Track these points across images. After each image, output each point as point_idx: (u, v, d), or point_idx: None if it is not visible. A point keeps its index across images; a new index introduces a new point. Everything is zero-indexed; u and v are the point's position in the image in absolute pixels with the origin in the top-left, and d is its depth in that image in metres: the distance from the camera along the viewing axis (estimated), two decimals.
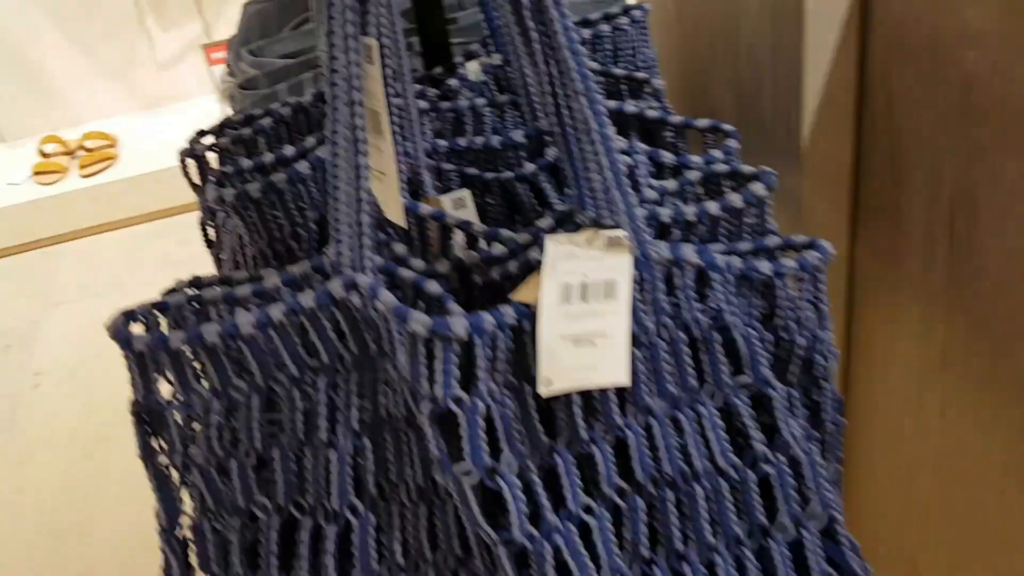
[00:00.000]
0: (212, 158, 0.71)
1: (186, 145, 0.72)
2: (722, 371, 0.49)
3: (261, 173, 0.65)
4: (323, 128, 0.72)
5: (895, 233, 0.84)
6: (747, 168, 0.56)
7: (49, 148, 2.08)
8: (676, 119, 0.64)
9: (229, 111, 0.98)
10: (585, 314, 0.45)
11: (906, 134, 0.78)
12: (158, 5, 2.15)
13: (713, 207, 0.53)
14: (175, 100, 2.21)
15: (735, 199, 0.53)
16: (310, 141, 0.65)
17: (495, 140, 0.63)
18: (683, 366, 0.49)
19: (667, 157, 0.62)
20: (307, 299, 0.46)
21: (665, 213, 0.52)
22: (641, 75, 0.67)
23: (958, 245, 0.76)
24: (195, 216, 0.75)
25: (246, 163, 0.64)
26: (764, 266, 0.50)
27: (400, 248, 0.54)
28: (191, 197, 0.72)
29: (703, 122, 0.64)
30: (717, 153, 0.62)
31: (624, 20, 0.72)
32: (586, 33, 0.71)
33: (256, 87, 0.83)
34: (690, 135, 0.68)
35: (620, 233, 0.46)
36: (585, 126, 0.45)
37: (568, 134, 0.47)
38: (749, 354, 0.49)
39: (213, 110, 2.07)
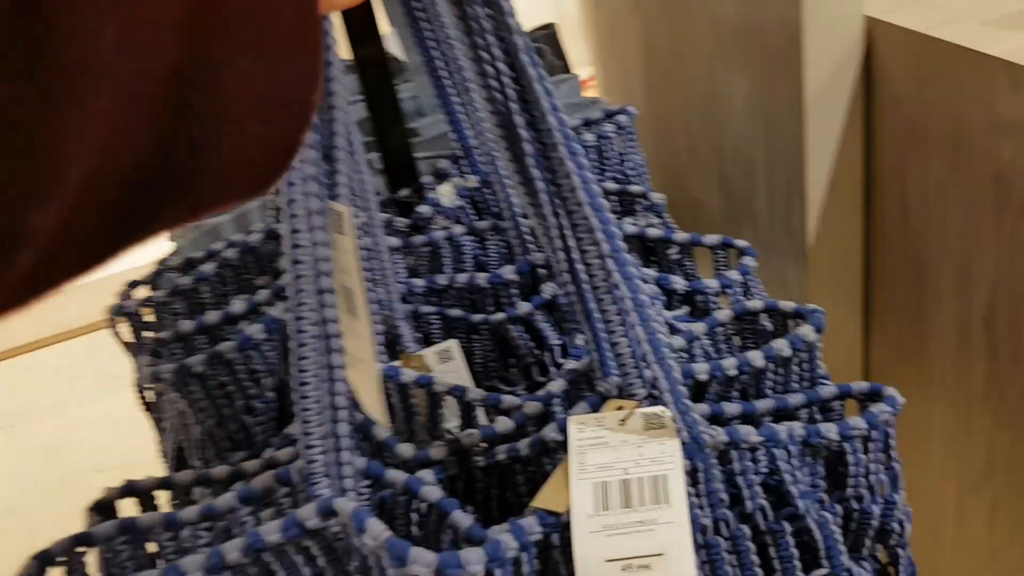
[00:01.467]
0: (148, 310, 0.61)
1: (116, 300, 0.62)
2: (795, 567, 0.40)
3: (205, 336, 0.56)
4: (275, 272, 0.63)
5: (920, 334, 0.78)
6: (787, 305, 0.48)
7: None
8: (682, 237, 0.57)
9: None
10: (631, 526, 0.36)
11: (926, 230, 0.71)
12: None
13: (757, 358, 0.44)
14: None
15: (782, 346, 0.45)
16: (263, 294, 0.56)
17: (481, 278, 0.55)
18: (749, 567, 0.40)
19: (678, 283, 0.54)
20: (272, 532, 0.36)
21: (701, 370, 0.43)
22: (636, 188, 0.60)
23: (999, 346, 0.69)
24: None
25: (187, 326, 0.55)
26: (830, 430, 0.41)
27: (381, 432, 0.45)
28: None
29: (712, 238, 0.57)
30: (733, 274, 0.54)
31: (609, 127, 0.64)
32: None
33: None
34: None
35: (662, 412, 0.38)
36: (607, 283, 0.37)
37: (585, 293, 0.38)
38: (825, 544, 0.41)
39: None
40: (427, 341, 0.55)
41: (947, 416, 0.77)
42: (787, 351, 0.45)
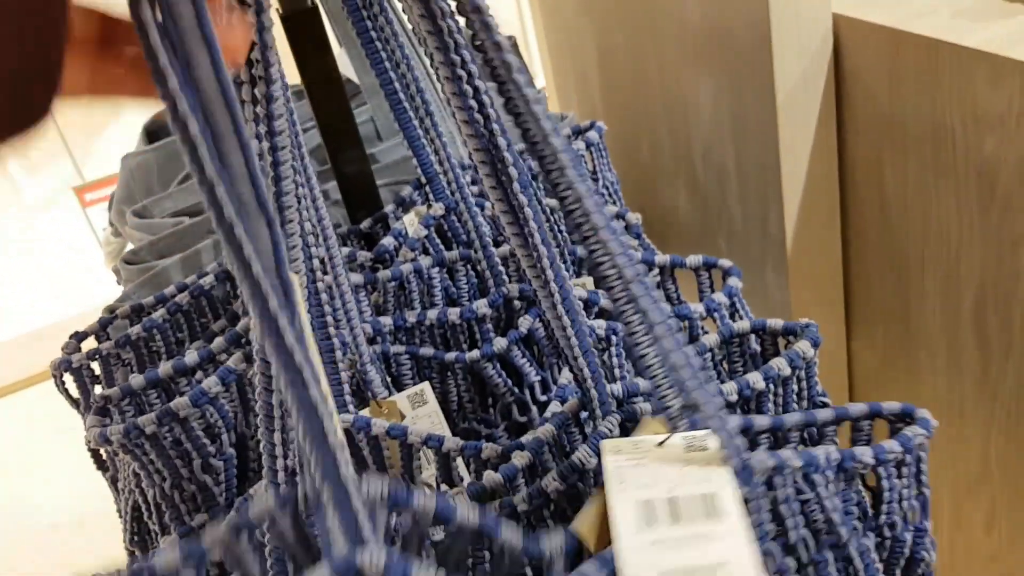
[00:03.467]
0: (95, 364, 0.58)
1: (61, 354, 0.58)
2: None
3: (157, 390, 0.52)
4: (232, 315, 0.60)
5: (906, 337, 0.76)
6: (775, 323, 0.46)
7: None
8: (663, 259, 0.55)
9: (112, 274, 0.84)
10: (685, 540, 0.33)
11: (907, 230, 0.70)
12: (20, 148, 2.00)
13: (757, 380, 0.42)
14: (51, 246, 2.04)
15: (781, 365, 0.42)
16: (218, 342, 0.52)
17: (453, 313, 0.52)
18: None
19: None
20: None
21: None
22: (611, 208, 0.58)
23: (990, 344, 0.68)
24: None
25: (137, 381, 0.51)
26: (865, 454, 0.39)
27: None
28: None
29: (695, 259, 0.55)
30: (719, 296, 0.52)
31: (579, 145, 0.62)
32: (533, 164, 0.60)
33: (143, 260, 0.70)
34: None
35: (705, 434, 0.35)
36: (634, 309, 0.34)
37: (578, 326, 0.36)
38: (867, 574, 0.38)
39: (95, 254, 1.90)
40: (397, 384, 0.52)
41: (939, 420, 0.76)
42: (787, 370, 0.43)
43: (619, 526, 0.32)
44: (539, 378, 0.52)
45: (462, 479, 0.45)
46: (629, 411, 0.39)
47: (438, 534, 0.36)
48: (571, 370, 0.39)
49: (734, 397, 0.42)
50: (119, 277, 0.76)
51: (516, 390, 0.52)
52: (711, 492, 0.33)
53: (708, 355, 0.46)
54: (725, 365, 0.48)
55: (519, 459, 0.41)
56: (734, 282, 0.53)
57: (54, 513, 1.57)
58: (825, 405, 0.46)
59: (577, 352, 0.36)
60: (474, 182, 0.58)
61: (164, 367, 0.52)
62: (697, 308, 0.52)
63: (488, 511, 0.36)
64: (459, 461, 0.44)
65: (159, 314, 0.58)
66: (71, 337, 0.59)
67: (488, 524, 0.31)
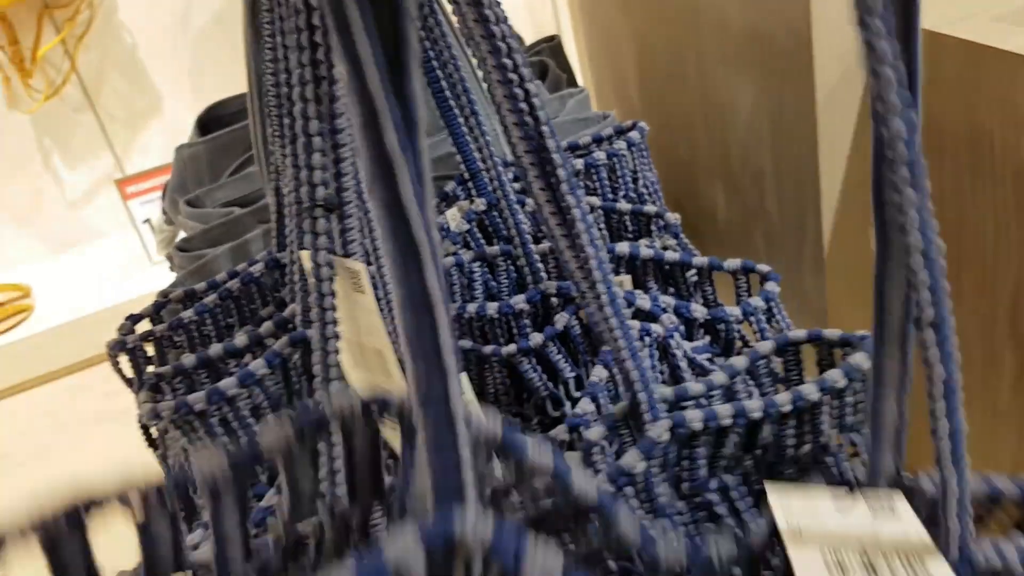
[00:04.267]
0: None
1: (116, 335, 0.61)
2: None
3: (207, 371, 0.55)
4: (279, 302, 0.62)
5: None
6: (832, 333, 0.46)
7: None
8: (701, 261, 0.56)
9: (164, 260, 0.88)
10: None
11: (944, 232, 0.70)
12: (63, 141, 2.05)
13: (812, 391, 0.42)
14: (91, 240, 2.09)
15: (836, 377, 0.43)
16: (266, 327, 0.55)
17: (492, 308, 0.54)
18: None
19: (698, 311, 0.53)
20: None
21: (754, 408, 0.41)
22: (651, 208, 0.59)
23: None
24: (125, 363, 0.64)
25: (188, 360, 0.54)
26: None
27: None
28: None
29: (733, 263, 0.56)
30: (756, 300, 0.53)
31: (620, 144, 0.64)
32: (578, 163, 0.62)
33: (195, 248, 0.73)
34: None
35: (903, 509, 0.31)
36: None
37: (625, 327, 0.38)
38: None
39: (134, 247, 1.95)
40: None
41: (974, 419, 0.76)
42: (842, 382, 0.42)
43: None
44: (574, 375, 0.54)
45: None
46: (679, 417, 0.39)
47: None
48: (619, 372, 0.39)
49: (788, 408, 0.42)
50: (172, 264, 0.79)
51: (551, 385, 0.54)
52: (915, 553, 0.30)
53: (761, 362, 0.47)
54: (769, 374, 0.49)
55: (574, 457, 0.42)
56: (772, 287, 0.54)
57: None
58: None
59: (625, 354, 0.37)
60: (516, 179, 0.60)
61: (214, 348, 0.54)
62: (734, 311, 0.53)
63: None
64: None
65: (210, 299, 0.61)
66: (126, 319, 0.62)
67: (605, 502, 0.28)
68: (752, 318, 0.53)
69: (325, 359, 0.34)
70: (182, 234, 0.85)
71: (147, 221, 1.91)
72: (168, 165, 1.89)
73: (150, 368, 0.59)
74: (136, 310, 0.64)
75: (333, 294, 0.32)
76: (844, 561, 0.29)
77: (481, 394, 0.55)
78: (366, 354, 0.36)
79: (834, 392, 0.41)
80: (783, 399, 0.40)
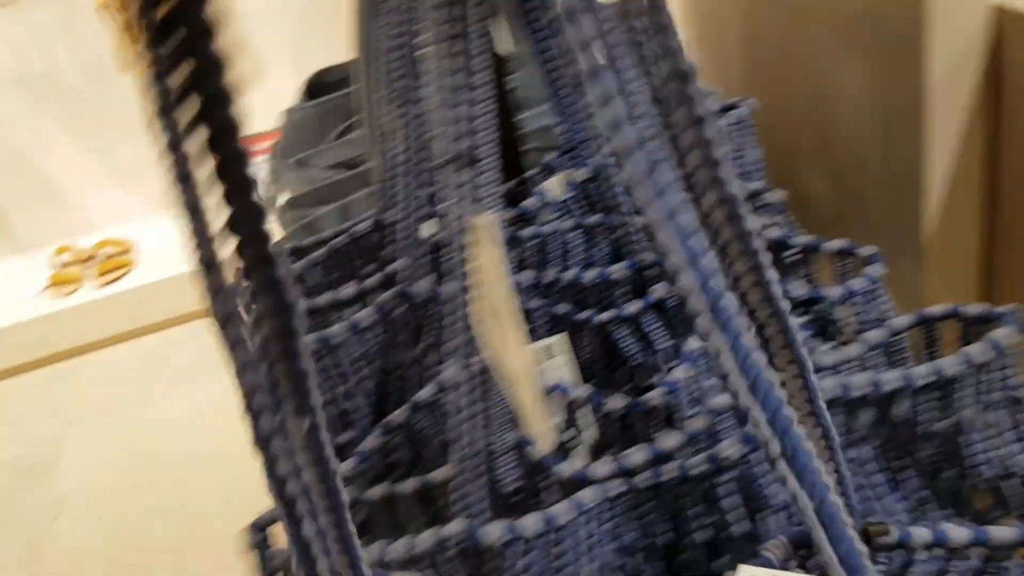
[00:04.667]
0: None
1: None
2: None
3: (312, 320, 0.58)
4: (382, 261, 0.65)
5: None
6: (972, 308, 0.46)
7: (64, 258, 2.04)
8: (802, 240, 0.56)
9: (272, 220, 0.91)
10: None
11: None
12: None
13: (950, 365, 0.41)
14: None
15: (977, 351, 0.41)
16: (371, 281, 0.57)
17: (589, 275, 0.55)
18: None
19: (798, 290, 0.53)
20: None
21: (891, 379, 0.40)
22: (755, 186, 0.59)
23: None
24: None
25: None
26: None
27: (537, 451, 0.44)
28: None
29: (835, 244, 0.56)
30: (858, 282, 0.53)
31: (726, 121, 0.64)
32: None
33: (303, 206, 0.77)
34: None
35: None
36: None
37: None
38: None
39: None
40: (532, 337, 0.56)
41: None
42: (983, 357, 0.41)
43: None
44: (668, 345, 0.55)
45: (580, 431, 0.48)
46: None
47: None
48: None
49: (927, 380, 0.41)
50: (280, 221, 0.83)
51: (644, 355, 0.55)
52: None
53: (898, 337, 0.47)
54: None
55: (697, 424, 0.42)
56: (876, 269, 0.54)
57: (182, 448, 1.68)
58: (1018, 401, 0.44)
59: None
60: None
61: (322, 298, 0.57)
62: (835, 291, 0.53)
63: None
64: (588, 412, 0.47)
65: (318, 254, 0.63)
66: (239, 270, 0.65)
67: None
68: (853, 299, 0.53)
69: (458, 312, 0.35)
70: (286, 194, 0.89)
71: (268, 177, 1.97)
72: (267, 132, 1.95)
73: None
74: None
75: (468, 247, 0.34)
76: None
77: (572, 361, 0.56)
78: (491, 308, 0.37)
79: (975, 367, 0.40)
80: (921, 371, 0.40)
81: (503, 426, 0.40)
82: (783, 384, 0.27)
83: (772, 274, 0.26)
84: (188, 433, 1.67)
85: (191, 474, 1.58)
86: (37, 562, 1.49)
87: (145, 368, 1.91)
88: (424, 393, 0.50)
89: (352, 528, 0.28)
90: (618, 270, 0.55)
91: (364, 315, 0.52)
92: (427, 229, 0.63)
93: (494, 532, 0.37)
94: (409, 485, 0.44)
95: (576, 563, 0.38)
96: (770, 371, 0.25)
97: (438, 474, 0.44)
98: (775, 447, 0.26)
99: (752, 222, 0.26)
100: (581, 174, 0.61)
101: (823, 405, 0.28)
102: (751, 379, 0.25)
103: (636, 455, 0.40)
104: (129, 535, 1.54)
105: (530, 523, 0.37)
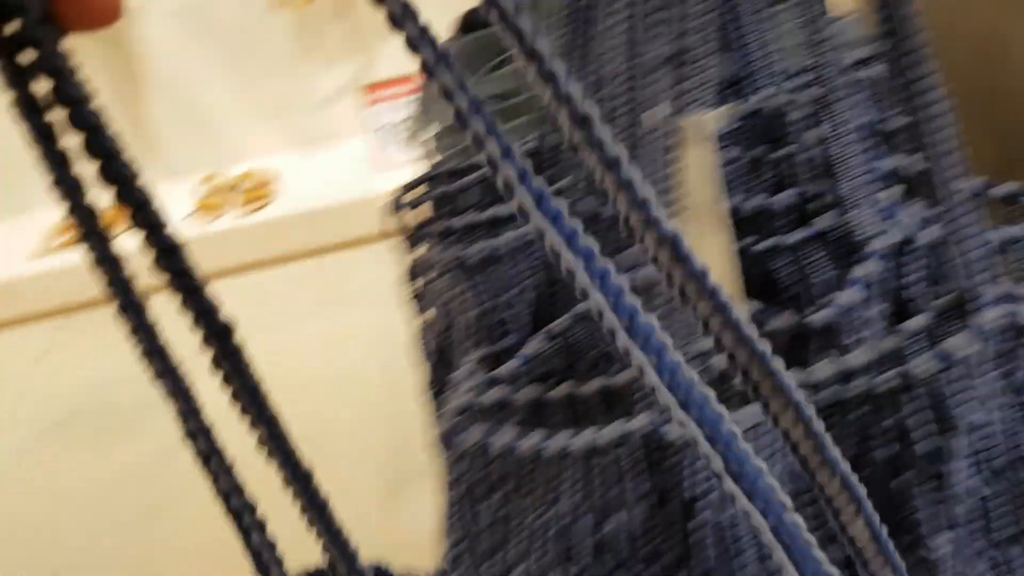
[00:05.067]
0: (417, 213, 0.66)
1: (392, 198, 0.67)
2: None
3: (473, 234, 0.60)
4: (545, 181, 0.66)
5: None
6: None
7: (211, 185, 2.15)
8: (972, 184, 0.55)
9: (414, 154, 0.94)
10: None
11: None
12: (318, 43, 2.19)
13: None
14: (332, 139, 2.24)
15: None
16: None
17: (750, 204, 0.55)
18: None
19: None
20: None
21: None
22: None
23: None
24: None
25: (459, 222, 0.59)
26: None
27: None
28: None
29: (1005, 188, 0.54)
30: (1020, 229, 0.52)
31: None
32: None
33: (456, 133, 0.79)
34: None
35: None
36: None
37: None
38: None
39: (369, 151, 2.07)
40: None
41: None
42: None
43: None
44: (828, 278, 0.54)
45: None
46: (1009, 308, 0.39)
47: None
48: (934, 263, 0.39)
49: None
50: (431, 149, 0.85)
51: (802, 286, 0.55)
52: None
53: None
54: None
55: (887, 344, 0.42)
56: None
57: (309, 372, 1.75)
58: None
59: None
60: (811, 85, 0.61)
61: (485, 213, 0.59)
62: (998, 235, 0.52)
63: None
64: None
65: (476, 175, 0.65)
66: (402, 185, 0.68)
67: None
68: (1016, 245, 0.51)
69: (660, 214, 0.36)
70: (437, 125, 0.91)
71: (384, 127, 2.03)
72: (412, 75, 1.98)
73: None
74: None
75: (677, 148, 0.35)
76: None
77: None
78: (697, 207, 0.38)
79: None
80: None
81: (687, 335, 0.41)
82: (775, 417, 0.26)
83: (739, 311, 0.24)
84: (318, 359, 1.75)
85: (320, 396, 1.66)
86: (173, 463, 1.60)
87: (279, 295, 2.00)
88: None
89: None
90: (783, 199, 0.55)
91: (528, 229, 0.54)
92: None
93: (675, 431, 0.39)
94: (593, 385, 0.46)
95: None
96: (703, 386, 0.24)
97: (620, 377, 0.46)
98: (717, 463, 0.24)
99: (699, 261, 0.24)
100: (746, 107, 0.60)
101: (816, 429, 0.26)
102: (683, 393, 0.23)
103: (823, 369, 0.41)
104: (252, 450, 1.63)
105: None
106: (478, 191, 0.66)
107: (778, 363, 0.24)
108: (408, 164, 2.01)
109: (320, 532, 0.29)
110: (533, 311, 0.56)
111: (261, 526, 0.28)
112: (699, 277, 0.23)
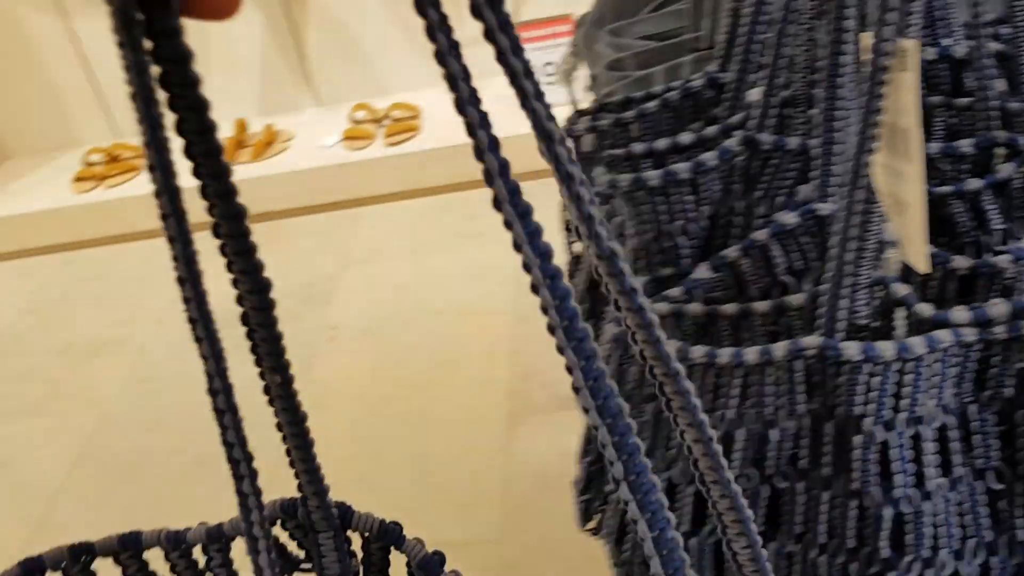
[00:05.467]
0: (588, 141, 0.69)
1: (565, 124, 0.70)
2: None
3: (650, 160, 0.62)
4: (710, 119, 0.68)
5: None
6: None
7: (359, 115, 2.22)
8: None
9: (566, 92, 0.96)
10: None
11: None
12: None
13: None
14: (479, 78, 2.27)
15: None
16: (711, 129, 0.61)
17: (932, 148, 0.56)
18: None
19: None
20: None
21: None
22: None
23: None
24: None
25: (638, 148, 0.61)
26: None
27: (901, 289, 0.47)
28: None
29: None
30: None
31: None
32: None
33: (626, 68, 0.81)
34: None
35: None
36: None
37: None
38: None
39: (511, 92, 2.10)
40: None
41: None
42: None
43: None
44: (1003, 227, 0.54)
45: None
46: None
47: None
48: None
49: None
50: (593, 84, 0.88)
51: (976, 234, 0.55)
52: None
53: None
54: None
55: None
56: None
57: (442, 300, 1.82)
58: None
59: None
60: (996, 37, 0.60)
61: (661, 141, 0.61)
62: None
63: None
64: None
65: (652, 104, 0.67)
66: (574, 112, 0.71)
67: None
68: None
69: (867, 138, 0.38)
70: (597, 61, 0.93)
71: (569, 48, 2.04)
72: (559, 16, 2.00)
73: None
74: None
75: (887, 71, 0.36)
76: None
77: None
78: (895, 135, 0.40)
79: None
80: None
81: (863, 263, 0.43)
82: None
83: (660, 332, 0.26)
84: (449, 288, 1.81)
85: (449, 326, 1.72)
86: (312, 373, 1.70)
87: (417, 225, 2.07)
88: (760, 235, 0.53)
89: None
90: (964, 145, 0.55)
91: (708, 157, 0.56)
92: (755, 94, 0.65)
93: (852, 349, 0.41)
94: (761, 305, 0.48)
95: (916, 395, 0.41)
96: (617, 399, 0.25)
97: (794, 299, 0.48)
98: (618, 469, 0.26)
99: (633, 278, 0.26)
100: (928, 53, 0.60)
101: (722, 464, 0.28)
102: (599, 400, 0.25)
103: (996, 307, 0.42)
104: (386, 368, 1.70)
105: (886, 348, 0.40)
106: (650, 121, 0.68)
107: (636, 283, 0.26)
108: (555, 105, 2.03)
109: (301, 470, 0.34)
110: (704, 240, 0.58)
111: (253, 475, 0.31)
112: (629, 294, 0.26)
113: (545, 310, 0.24)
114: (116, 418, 1.64)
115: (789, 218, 0.53)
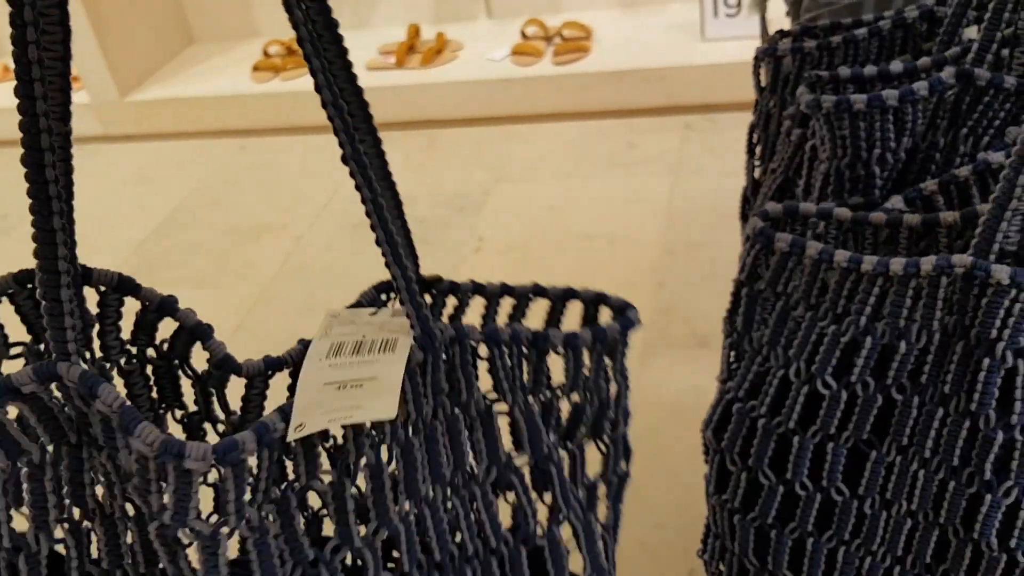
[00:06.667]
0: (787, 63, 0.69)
1: (763, 45, 0.70)
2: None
3: (855, 85, 0.62)
4: (918, 53, 0.67)
5: None
6: None
7: (530, 31, 2.23)
8: None
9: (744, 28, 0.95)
10: (355, 364, 0.44)
11: None
12: None
13: None
14: (655, 3, 2.25)
15: None
16: (923, 60, 0.60)
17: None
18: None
19: None
20: None
21: None
22: None
23: None
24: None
25: (845, 71, 0.61)
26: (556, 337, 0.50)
27: None
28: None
29: None
30: None
31: None
32: None
33: (830, 3, 0.80)
34: None
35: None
36: None
37: None
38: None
39: (691, 18, 2.07)
40: None
41: None
42: None
43: (309, 358, 0.44)
44: None
45: None
46: None
47: None
48: None
49: None
50: (797, 9, 0.87)
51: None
52: (394, 339, 0.44)
53: None
54: None
55: None
56: None
57: (589, 225, 1.83)
58: None
59: None
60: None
61: (869, 68, 0.61)
62: None
63: None
64: None
65: (859, 31, 0.67)
66: (775, 32, 0.71)
67: None
68: None
69: None
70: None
71: None
72: None
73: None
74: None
75: None
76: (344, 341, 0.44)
77: None
78: None
79: None
80: None
81: None
82: None
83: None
84: (599, 214, 1.83)
85: (593, 249, 1.75)
86: (457, 277, 1.75)
87: (575, 148, 2.08)
88: (962, 171, 0.53)
89: None
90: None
91: (919, 86, 0.56)
92: (972, 31, 0.64)
93: (1002, 272, 0.42)
94: (912, 219, 0.50)
95: None
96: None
97: (946, 216, 0.49)
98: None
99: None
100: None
101: None
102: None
103: None
104: (526, 282, 1.75)
105: None
106: (863, 47, 0.68)
107: None
108: (733, 38, 1.98)
109: (386, 252, 0.42)
110: (898, 172, 0.58)
111: None
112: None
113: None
114: (271, 298, 1.76)
115: (997, 157, 0.53)
